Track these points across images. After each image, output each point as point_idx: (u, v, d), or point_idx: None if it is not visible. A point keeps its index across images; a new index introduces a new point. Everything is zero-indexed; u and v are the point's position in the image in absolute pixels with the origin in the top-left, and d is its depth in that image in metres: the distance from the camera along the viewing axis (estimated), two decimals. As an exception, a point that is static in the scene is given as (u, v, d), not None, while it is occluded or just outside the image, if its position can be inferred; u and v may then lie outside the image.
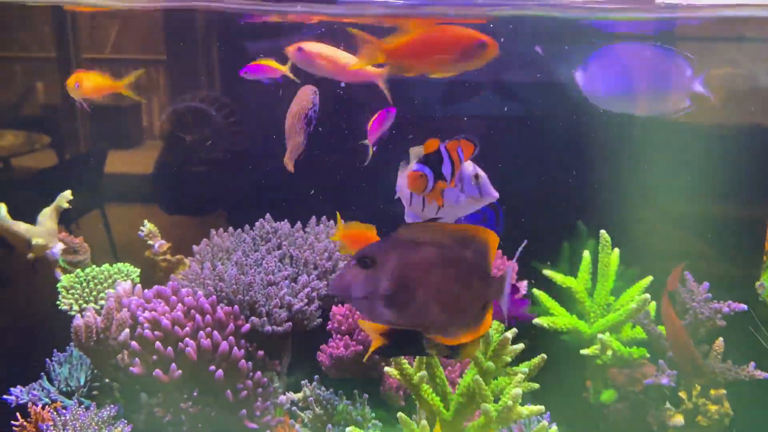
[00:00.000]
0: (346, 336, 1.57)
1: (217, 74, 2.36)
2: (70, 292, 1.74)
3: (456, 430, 1.34)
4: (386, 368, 1.33)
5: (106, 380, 1.63)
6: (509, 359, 1.30)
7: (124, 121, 2.50)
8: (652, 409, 1.74)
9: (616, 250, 1.85)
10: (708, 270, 1.93)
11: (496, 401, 1.29)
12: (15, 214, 1.91)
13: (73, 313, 1.71)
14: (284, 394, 1.57)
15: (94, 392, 1.62)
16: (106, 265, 1.83)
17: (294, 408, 1.52)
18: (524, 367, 1.33)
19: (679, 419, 1.74)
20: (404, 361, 1.31)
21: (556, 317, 1.78)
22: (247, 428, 1.52)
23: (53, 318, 1.73)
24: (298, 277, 1.73)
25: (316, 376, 1.56)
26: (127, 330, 1.54)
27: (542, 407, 1.22)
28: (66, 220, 2.32)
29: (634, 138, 2.02)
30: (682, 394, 1.77)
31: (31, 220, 1.87)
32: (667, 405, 1.76)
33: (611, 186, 2.07)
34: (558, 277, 1.84)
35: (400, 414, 1.24)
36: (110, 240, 2.36)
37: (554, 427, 1.26)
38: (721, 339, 1.74)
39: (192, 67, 2.37)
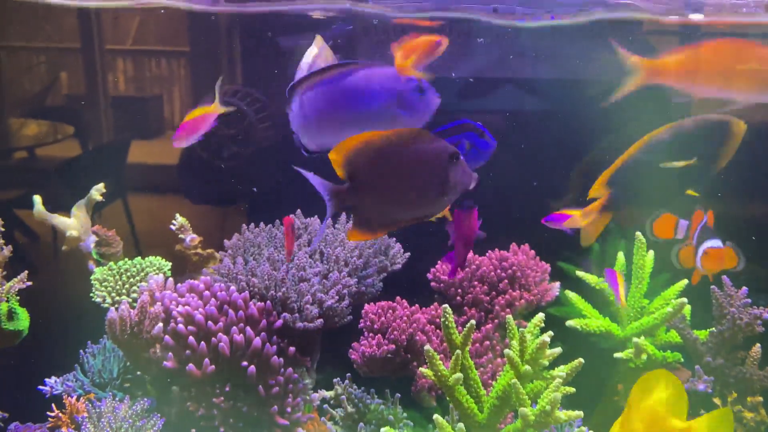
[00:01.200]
0: (379, 335, 1.56)
1: (240, 67, 2.36)
2: (103, 284, 1.75)
3: (489, 431, 1.32)
4: (420, 369, 1.32)
5: (138, 373, 1.64)
6: (546, 363, 1.28)
7: (147, 111, 2.52)
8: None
9: (651, 252, 1.82)
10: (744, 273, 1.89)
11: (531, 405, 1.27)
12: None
13: (106, 305, 1.72)
14: (316, 391, 1.57)
15: (127, 385, 1.63)
16: (138, 258, 1.84)
17: (325, 406, 1.52)
18: (562, 371, 1.31)
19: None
20: (440, 363, 1.30)
21: (588, 319, 1.76)
22: (278, 424, 1.52)
23: (87, 310, 1.74)
24: (329, 274, 1.72)
25: (348, 374, 1.56)
26: (160, 324, 1.55)
27: (581, 413, 1.21)
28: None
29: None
30: (717, 401, 1.73)
31: (55, 209, 1.89)
32: (702, 412, 1.73)
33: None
34: (591, 278, 1.82)
35: (436, 417, 1.23)
36: (132, 230, 2.39)
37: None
38: (758, 345, 1.70)
39: (215, 59, 2.38)
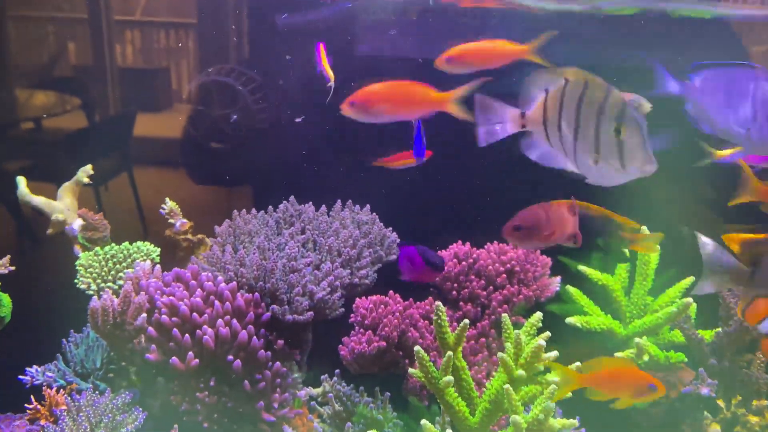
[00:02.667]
0: (369, 331, 1.51)
1: (247, 40, 2.29)
2: (89, 270, 1.70)
3: (481, 436, 1.27)
4: (410, 370, 1.26)
5: (123, 364, 1.59)
6: (542, 368, 1.22)
7: (154, 83, 2.46)
8: (687, 417, 1.65)
9: (657, 248, 1.75)
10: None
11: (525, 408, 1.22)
12: (44, 175, 1.88)
13: (91, 292, 1.67)
14: (304, 388, 1.52)
15: (110, 375, 1.59)
16: (126, 244, 1.79)
17: (313, 403, 1.47)
18: (556, 376, 1.25)
19: (716, 429, 1.65)
20: (430, 364, 1.24)
21: (590, 317, 1.69)
22: (264, 420, 1.47)
23: (72, 297, 1.69)
24: (321, 265, 1.66)
25: (337, 371, 1.51)
26: (144, 314, 1.50)
27: (575, 421, 1.15)
28: (95, 182, 2.31)
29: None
30: (720, 402, 1.68)
31: (62, 181, 1.84)
32: (705, 414, 1.67)
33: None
34: (593, 273, 1.75)
35: (424, 422, 1.18)
36: (137, 203, 2.34)
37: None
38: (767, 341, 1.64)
39: (223, 32, 2.30)
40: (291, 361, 1.62)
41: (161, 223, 1.91)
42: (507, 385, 1.17)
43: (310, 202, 1.90)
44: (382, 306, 1.53)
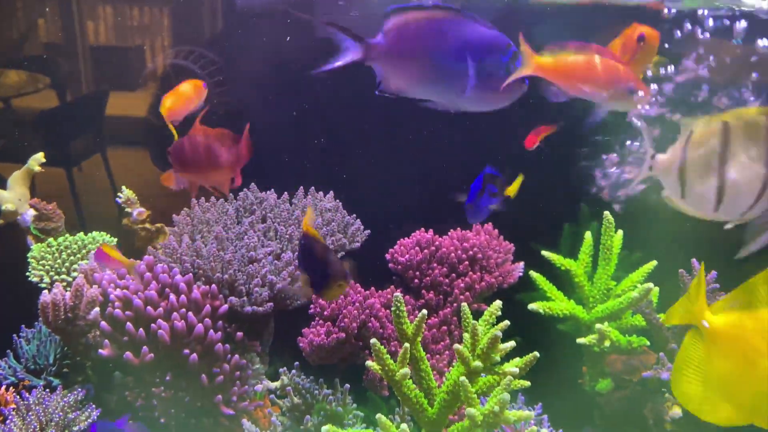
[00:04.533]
0: (329, 322, 1.48)
1: (222, 17, 2.22)
2: (41, 262, 1.65)
3: (440, 428, 1.26)
4: (367, 362, 1.24)
5: (78, 358, 1.55)
6: (498, 358, 1.21)
7: (127, 62, 2.38)
8: (648, 401, 1.66)
9: (620, 232, 1.74)
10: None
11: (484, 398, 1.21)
12: (13, 156, 1.81)
13: (43, 285, 1.62)
14: (260, 382, 1.49)
15: (65, 370, 1.55)
16: (80, 234, 1.74)
17: (272, 396, 1.45)
18: (514, 366, 1.24)
19: (677, 411, 1.67)
20: (387, 357, 1.22)
21: (552, 302, 1.69)
22: (223, 414, 1.45)
23: (25, 290, 1.64)
24: (282, 254, 1.63)
25: (297, 363, 1.49)
26: (97, 308, 1.46)
27: (531, 413, 1.14)
28: (69, 163, 2.24)
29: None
30: (681, 385, 1.69)
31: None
32: (666, 396, 1.69)
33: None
34: (556, 258, 1.74)
35: (379, 416, 1.16)
36: (112, 184, 2.28)
37: (544, 430, 1.18)
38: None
39: (198, 10, 2.23)
40: (252, 353, 1.59)
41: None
42: (462, 378, 1.15)
43: (272, 190, 1.86)
44: (342, 296, 1.50)
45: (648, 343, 1.70)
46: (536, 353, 1.25)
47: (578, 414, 1.76)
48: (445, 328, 1.58)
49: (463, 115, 1.22)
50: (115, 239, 1.78)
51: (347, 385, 1.44)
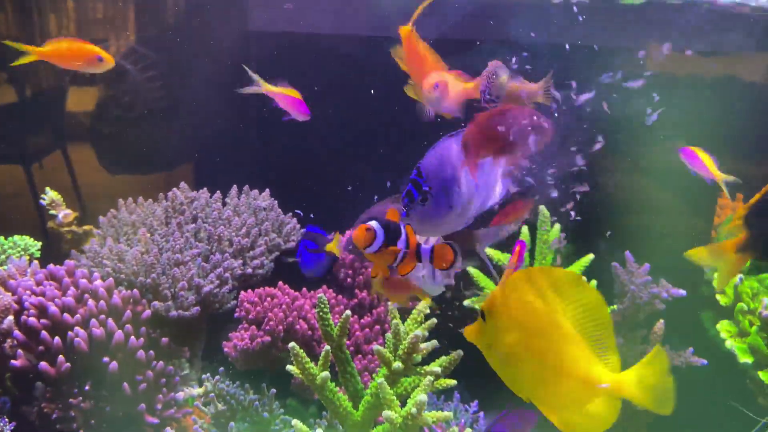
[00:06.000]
0: (253, 326, 1.44)
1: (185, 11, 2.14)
2: (-44, 270, 1.57)
3: (365, 429, 1.23)
4: (288, 366, 1.21)
5: (-5, 369, 1.48)
6: (419, 358, 1.19)
7: None
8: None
9: (557, 226, 1.74)
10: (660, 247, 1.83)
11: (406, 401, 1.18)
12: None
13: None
14: (185, 388, 1.45)
15: (-19, 381, 1.48)
16: (1, 239, 1.66)
17: (197, 403, 1.41)
18: (436, 366, 1.22)
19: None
20: (306, 360, 1.19)
21: (485, 293, 1.67)
22: (147, 423, 1.40)
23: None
24: (210, 256, 1.59)
25: (221, 369, 1.44)
26: (11, 317, 1.39)
27: (450, 414, 1.12)
28: (29, 160, 2.15)
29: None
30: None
31: None
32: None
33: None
34: (494, 254, 1.73)
35: (295, 421, 1.12)
36: (74, 183, 2.20)
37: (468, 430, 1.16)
38: (661, 321, 1.65)
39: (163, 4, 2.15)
40: (180, 359, 1.55)
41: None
42: (381, 380, 1.13)
43: (204, 189, 1.81)
44: (269, 299, 1.46)
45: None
46: (460, 351, 1.23)
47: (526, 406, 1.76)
48: (378, 327, 1.55)
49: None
50: (39, 243, 1.71)
51: (273, 390, 1.40)
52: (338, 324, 1.25)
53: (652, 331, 1.66)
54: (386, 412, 1.10)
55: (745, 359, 1.60)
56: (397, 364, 1.17)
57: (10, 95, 2.18)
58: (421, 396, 1.09)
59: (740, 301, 1.69)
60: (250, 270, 1.62)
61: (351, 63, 2.01)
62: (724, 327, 1.69)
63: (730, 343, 1.64)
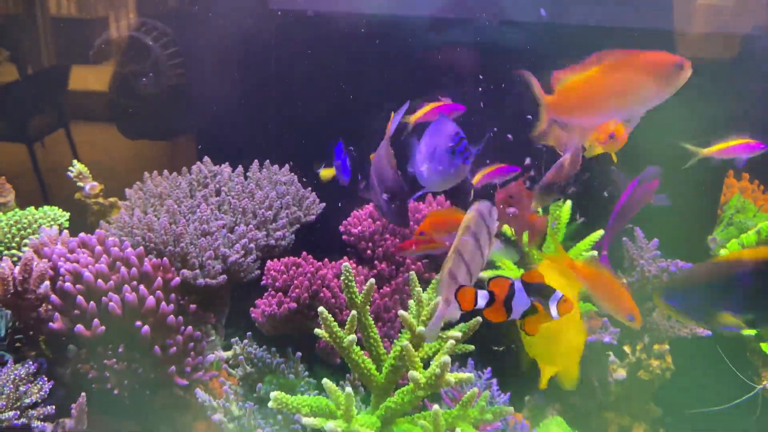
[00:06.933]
0: (280, 293, 1.50)
1: None
2: (-10, 238, 1.63)
3: (388, 392, 1.30)
4: (316, 330, 1.27)
5: (30, 333, 1.55)
6: (441, 324, 1.25)
7: (90, 34, 2.32)
8: (594, 363, 1.73)
9: (569, 203, 1.79)
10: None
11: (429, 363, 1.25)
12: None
13: (-7, 261, 1.60)
14: (213, 352, 1.51)
15: (17, 345, 1.54)
16: (31, 209, 1.72)
17: (225, 366, 1.47)
18: (457, 331, 1.28)
19: (621, 373, 1.74)
20: (334, 324, 1.25)
21: (501, 271, 1.73)
22: (177, 384, 1.47)
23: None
24: (235, 227, 1.64)
25: (249, 333, 1.51)
26: (47, 282, 1.45)
27: (471, 375, 1.18)
28: (31, 139, 2.20)
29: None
30: (627, 348, 1.76)
31: None
32: (612, 359, 1.75)
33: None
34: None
35: (325, 380, 1.19)
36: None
37: (485, 393, 1.22)
38: (668, 296, 1.71)
39: None
40: (206, 324, 1.61)
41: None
42: (406, 342, 1.19)
43: (227, 163, 1.86)
44: (294, 267, 1.52)
45: (595, 308, 1.76)
46: (479, 318, 1.29)
47: (526, 378, 1.83)
48: (397, 297, 1.62)
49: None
50: (68, 214, 1.76)
51: (299, 354, 1.46)
52: (363, 291, 1.31)
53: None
54: (412, 373, 1.16)
55: (748, 331, 1.67)
56: (421, 328, 1.23)
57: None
58: (444, 357, 1.15)
59: (745, 276, 1.75)
60: (273, 241, 1.67)
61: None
62: (728, 301, 1.75)
63: (734, 317, 1.70)
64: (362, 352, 1.29)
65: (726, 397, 1.73)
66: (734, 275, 0.83)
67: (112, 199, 1.84)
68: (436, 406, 1.15)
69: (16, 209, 1.73)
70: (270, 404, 1.21)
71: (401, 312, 1.23)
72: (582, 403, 1.77)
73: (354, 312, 1.27)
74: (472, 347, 1.33)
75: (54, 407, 1.39)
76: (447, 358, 1.15)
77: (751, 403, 1.70)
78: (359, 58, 1.99)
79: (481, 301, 1.05)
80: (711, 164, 2.02)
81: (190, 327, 1.50)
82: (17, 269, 1.45)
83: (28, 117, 2.28)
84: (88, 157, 2.23)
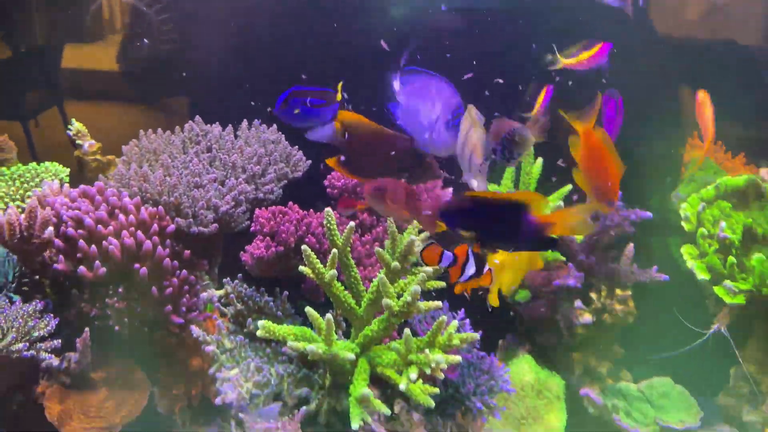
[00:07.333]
0: (268, 238, 1.62)
1: None
2: (-5, 190, 1.73)
3: (367, 323, 1.42)
4: (300, 267, 1.39)
5: (36, 277, 1.66)
6: (414, 259, 1.37)
7: (84, 12, 2.38)
8: (560, 307, 1.86)
9: (540, 160, 1.91)
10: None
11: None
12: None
13: (-1, 211, 1.71)
14: (207, 290, 1.63)
15: (24, 288, 1.66)
16: (33, 164, 1.82)
17: (216, 304, 1.59)
18: (428, 268, 1.40)
19: (587, 317, 1.87)
20: (316, 260, 1.37)
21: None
22: (173, 322, 1.59)
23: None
24: (226, 181, 1.75)
25: (240, 275, 1.62)
26: (51, 228, 1.56)
27: (439, 303, 1.31)
28: (23, 117, 2.27)
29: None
30: (593, 294, 1.89)
31: None
32: (578, 304, 1.88)
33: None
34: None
35: (307, 308, 1.31)
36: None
37: (454, 322, 1.35)
38: (631, 245, 1.84)
39: None
40: (200, 270, 1.73)
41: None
42: (381, 275, 1.31)
43: (217, 123, 1.96)
44: (281, 215, 1.64)
45: (563, 258, 1.89)
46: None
47: (502, 322, 1.96)
48: (377, 244, 1.74)
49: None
50: (68, 169, 1.86)
51: (286, 293, 1.59)
52: (344, 234, 1.43)
53: (623, 254, 1.85)
54: (386, 300, 1.28)
55: (703, 276, 1.80)
56: (395, 264, 1.36)
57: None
58: (415, 287, 1.27)
59: (702, 227, 1.88)
60: (261, 195, 1.79)
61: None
62: (687, 250, 1.88)
63: (690, 264, 1.83)
64: (344, 288, 1.42)
65: (685, 338, 1.88)
66: (471, 206, 1.12)
67: (109, 157, 1.94)
68: (407, 329, 1.28)
69: (19, 164, 1.83)
70: (258, 333, 1.33)
71: (377, 249, 1.35)
72: (550, 345, 1.91)
73: (334, 250, 1.39)
74: (443, 284, 1.45)
75: (60, 341, 1.52)
76: (417, 287, 1.27)
77: (706, 344, 1.84)
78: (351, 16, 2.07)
79: (445, 262, 1.24)
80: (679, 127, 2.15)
81: (185, 271, 1.62)
82: (23, 216, 1.56)
83: (21, 95, 2.33)
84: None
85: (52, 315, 1.52)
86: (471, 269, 1.25)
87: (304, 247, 1.36)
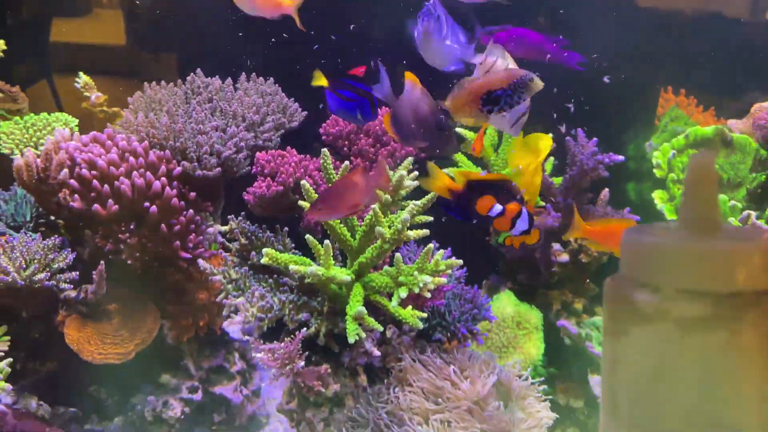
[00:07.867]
0: (268, 178, 1.75)
1: None
2: (11, 137, 1.84)
3: (360, 254, 1.56)
4: (300, 202, 1.52)
5: (52, 217, 1.78)
6: (404, 193, 1.50)
7: None
8: (539, 247, 2.00)
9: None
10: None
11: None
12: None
13: (14, 156, 1.82)
14: (212, 226, 1.76)
15: (42, 229, 1.78)
16: (45, 114, 1.93)
17: (221, 239, 1.72)
18: (418, 202, 1.53)
19: (564, 257, 2.02)
20: (314, 194, 1.50)
21: (460, 169, 1.98)
22: (181, 257, 1.72)
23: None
24: (227, 128, 1.87)
25: (243, 213, 1.75)
26: (65, 170, 1.68)
27: (427, 231, 1.44)
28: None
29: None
30: (569, 236, 2.03)
31: None
32: (557, 247, 2.03)
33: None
34: (464, 132, 2.03)
35: (308, 236, 1.44)
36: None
37: (441, 251, 1.48)
38: (606, 189, 1.98)
39: None
40: (205, 212, 1.85)
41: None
42: (375, 206, 1.44)
43: (217, 76, 2.07)
44: (280, 158, 1.76)
45: (543, 203, 2.02)
46: (435, 193, 1.54)
47: (483, 260, 2.11)
48: (370, 187, 1.87)
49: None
50: (77, 120, 1.97)
51: (286, 228, 1.72)
52: (339, 172, 1.55)
53: (598, 198, 1.99)
54: (378, 228, 1.42)
55: (672, 217, 1.95)
56: (387, 197, 1.49)
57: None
58: (405, 215, 1.41)
59: (672, 173, 2.02)
60: (260, 142, 1.91)
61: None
62: (658, 195, 2.03)
63: (660, 206, 1.98)
64: (340, 222, 1.55)
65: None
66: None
67: (115, 109, 2.05)
68: (398, 254, 1.41)
69: (31, 114, 1.93)
70: (263, 260, 1.47)
71: (370, 183, 1.47)
72: (530, 283, 2.06)
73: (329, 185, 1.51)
74: (430, 218, 1.58)
75: (77, 273, 1.65)
76: (407, 216, 1.41)
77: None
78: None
79: (493, 213, 1.38)
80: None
81: (191, 210, 1.74)
82: (39, 158, 1.67)
83: (10, 67, 2.37)
84: (71, 109, 2.38)
85: (69, 249, 1.64)
86: (524, 225, 1.39)
87: (303, 182, 1.49)
